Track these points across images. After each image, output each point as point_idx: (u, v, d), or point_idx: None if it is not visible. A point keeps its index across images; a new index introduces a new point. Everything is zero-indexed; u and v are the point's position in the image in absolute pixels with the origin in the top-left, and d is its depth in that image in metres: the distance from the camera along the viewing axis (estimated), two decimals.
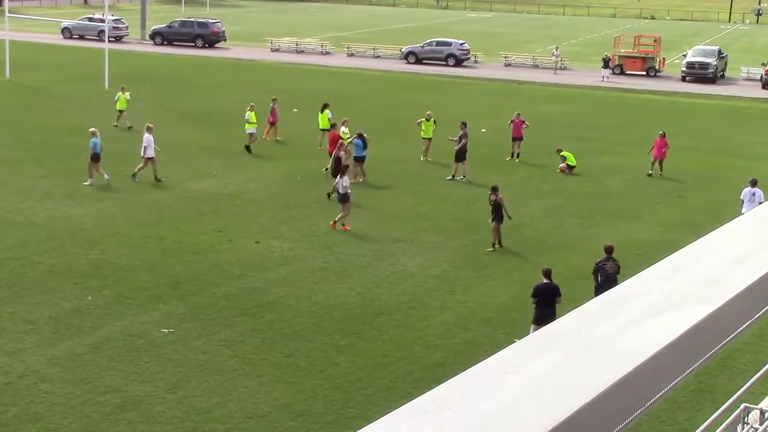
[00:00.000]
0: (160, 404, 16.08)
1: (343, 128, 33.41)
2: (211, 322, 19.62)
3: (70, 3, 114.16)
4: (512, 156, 36.56)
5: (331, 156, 30.56)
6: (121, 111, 40.06)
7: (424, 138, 35.67)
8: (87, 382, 16.71)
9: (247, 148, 35.91)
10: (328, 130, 36.06)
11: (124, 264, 22.97)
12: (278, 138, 38.25)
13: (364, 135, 32.04)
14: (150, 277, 22.09)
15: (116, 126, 39.50)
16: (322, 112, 37.33)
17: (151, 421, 15.52)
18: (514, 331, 19.10)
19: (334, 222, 26.50)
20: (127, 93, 40.55)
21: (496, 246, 25.22)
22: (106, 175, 30.09)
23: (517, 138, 36.46)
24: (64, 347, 18.12)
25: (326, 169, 31.03)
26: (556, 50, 66.96)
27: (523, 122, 36.31)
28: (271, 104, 38.40)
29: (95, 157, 30.12)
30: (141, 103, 46.23)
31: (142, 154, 30.91)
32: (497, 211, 25.00)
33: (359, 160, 31.70)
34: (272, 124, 38.39)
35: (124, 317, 19.70)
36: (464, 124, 33.39)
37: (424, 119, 35.68)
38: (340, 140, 30.98)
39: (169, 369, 17.39)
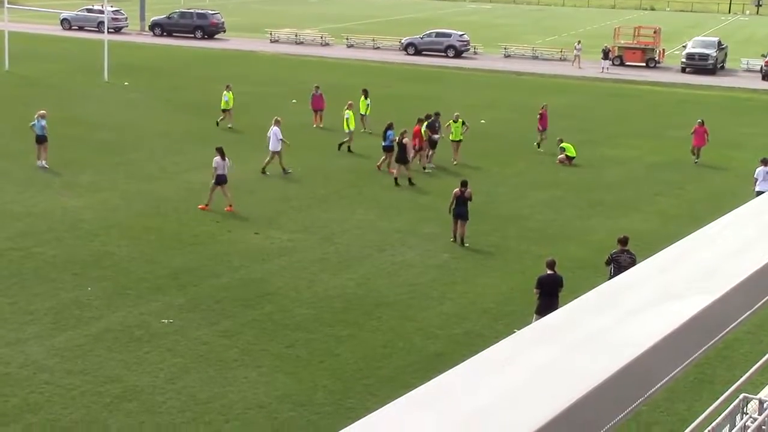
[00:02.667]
0: (159, 395, 16.11)
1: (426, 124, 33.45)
2: (211, 313, 19.65)
3: None
4: (539, 145, 37.09)
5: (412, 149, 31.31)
6: (225, 110, 38.50)
7: (453, 141, 33.80)
8: (87, 373, 16.74)
9: (341, 145, 35.35)
10: (364, 116, 37.47)
11: (124, 255, 22.98)
12: (321, 125, 38.94)
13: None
14: (149, 268, 22.11)
15: (218, 125, 38.48)
16: (364, 99, 38.54)
17: (150, 412, 15.55)
18: (514, 321, 19.13)
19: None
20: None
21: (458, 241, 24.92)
22: (41, 161, 30.49)
23: (545, 129, 37.16)
24: (64, 338, 18.15)
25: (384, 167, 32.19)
26: (578, 44, 65.73)
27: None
28: (314, 91, 39.25)
29: (37, 139, 30.54)
30: (139, 93, 46.24)
31: (274, 148, 31.10)
32: (463, 205, 24.70)
33: (388, 149, 32.14)
34: (316, 111, 39.24)
35: (123, 308, 19.72)
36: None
37: (452, 121, 33.94)
38: (403, 132, 31.37)
39: (169, 360, 17.42)
